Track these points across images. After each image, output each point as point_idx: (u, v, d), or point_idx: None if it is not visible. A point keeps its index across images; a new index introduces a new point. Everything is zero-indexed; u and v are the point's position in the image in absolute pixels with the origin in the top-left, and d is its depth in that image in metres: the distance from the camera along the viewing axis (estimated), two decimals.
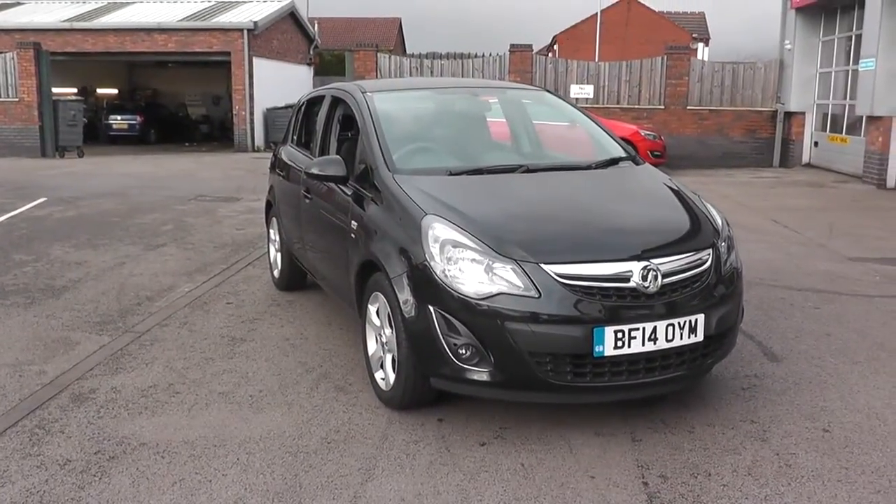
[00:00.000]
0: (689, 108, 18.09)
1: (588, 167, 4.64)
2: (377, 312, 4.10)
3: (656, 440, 3.65)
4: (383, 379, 4.07)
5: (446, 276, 3.57)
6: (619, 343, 3.47)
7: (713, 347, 3.78)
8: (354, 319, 4.89)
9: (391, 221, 3.98)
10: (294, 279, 6.20)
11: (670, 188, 4.41)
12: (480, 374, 3.54)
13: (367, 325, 4.23)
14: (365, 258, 4.12)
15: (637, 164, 4.75)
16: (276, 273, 6.43)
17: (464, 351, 3.54)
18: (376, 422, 3.86)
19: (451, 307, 3.56)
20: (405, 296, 3.70)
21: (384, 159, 4.31)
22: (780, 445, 3.60)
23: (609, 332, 3.46)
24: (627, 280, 3.53)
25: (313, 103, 5.94)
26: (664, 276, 3.59)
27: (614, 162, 4.72)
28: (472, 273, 3.54)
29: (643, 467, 3.40)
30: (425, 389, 3.84)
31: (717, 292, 3.77)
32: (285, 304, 5.95)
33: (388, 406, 3.99)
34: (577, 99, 17.58)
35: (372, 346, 4.20)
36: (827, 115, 16.54)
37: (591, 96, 18.21)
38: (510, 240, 3.62)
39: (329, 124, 5.39)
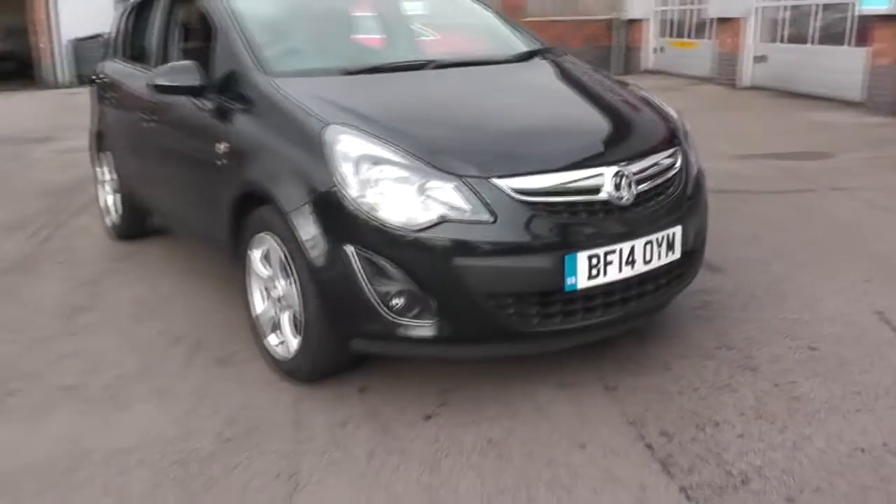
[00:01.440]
0: (526, 19, 17.53)
1: (508, 61, 3.81)
2: (264, 259, 3.16)
3: (633, 385, 2.99)
4: (280, 344, 3.16)
5: (366, 204, 2.68)
6: (594, 271, 2.74)
7: (689, 266, 3.14)
8: (225, 269, 3.92)
9: (277, 137, 3.00)
10: (135, 225, 5.06)
11: (613, 81, 3.68)
12: (422, 329, 2.71)
13: (251, 277, 3.28)
14: (243, 189, 3.14)
15: (559, 56, 3.97)
16: (111, 220, 5.23)
17: (398, 300, 2.69)
18: (281, 402, 2.96)
19: (377, 244, 2.68)
20: (310, 235, 2.78)
21: (254, 59, 3.29)
22: (773, 374, 3.04)
23: (582, 258, 2.72)
24: (598, 191, 2.78)
25: (145, 6, 4.70)
26: (637, 183, 2.88)
27: (534, 55, 3.92)
28: (401, 197, 2.67)
29: (636, 424, 2.73)
30: (344, 355, 2.99)
31: (689, 199, 3.12)
32: (129, 257, 4.81)
33: (292, 379, 3.10)
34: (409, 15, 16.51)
35: (259, 304, 3.26)
36: (669, 21, 16.53)
37: (427, 12, 17.19)
38: (446, 150, 2.76)
39: (169, 28, 4.24)
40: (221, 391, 3.06)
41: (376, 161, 2.72)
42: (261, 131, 3.09)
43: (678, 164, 3.13)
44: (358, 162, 2.73)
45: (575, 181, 2.76)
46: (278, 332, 3.18)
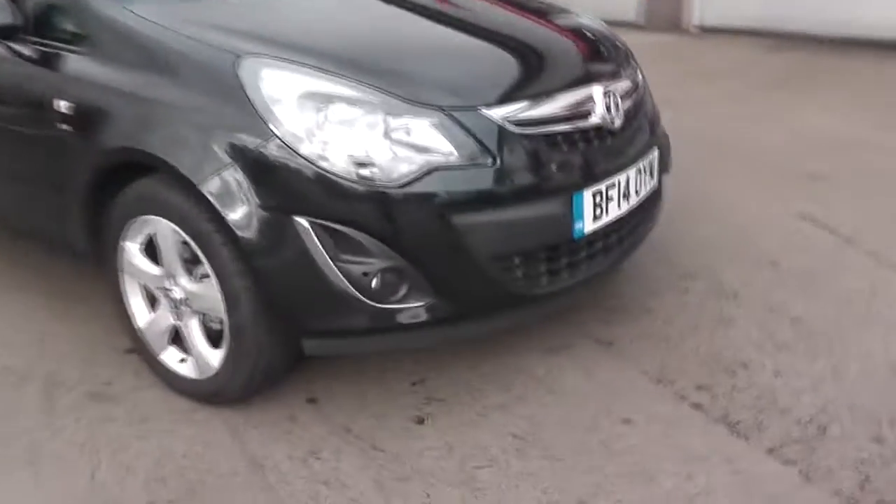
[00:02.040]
0: None
1: None
2: (145, 251, 2.33)
3: (627, 336, 2.59)
4: (183, 362, 2.37)
5: (321, 158, 1.98)
6: (598, 211, 2.27)
7: (661, 192, 2.77)
8: (68, 271, 2.96)
9: (156, 83, 2.15)
10: None
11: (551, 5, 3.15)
12: (413, 314, 2.08)
13: (125, 278, 2.42)
14: (105, 160, 2.26)
15: None
16: None
17: (378, 281, 2.03)
18: (215, 438, 2.20)
19: (343, 211, 1.99)
20: (239, 211, 2.01)
21: None
22: (757, 297, 2.79)
23: (588, 197, 2.23)
24: (589, 115, 2.29)
25: None
26: (622, 103, 2.42)
27: None
28: (369, 144, 1.99)
29: (663, 382, 2.34)
30: (289, 362, 2.28)
31: (655, 117, 2.73)
32: None
33: (212, 402, 2.33)
34: None
35: (142, 313, 2.43)
36: None
37: None
38: (413, 77, 2.11)
39: None
40: (117, 438, 2.22)
41: (326, 99, 2.01)
42: (124, 77, 2.21)
43: (641, 79, 2.72)
44: (301, 103, 2.00)
45: (570, 105, 2.24)
46: (182, 345, 2.38)
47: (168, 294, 2.31)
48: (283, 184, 2.01)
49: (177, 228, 2.17)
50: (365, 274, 2.02)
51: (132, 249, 2.35)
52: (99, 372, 2.54)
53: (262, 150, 2.00)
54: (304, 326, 2.13)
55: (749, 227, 3.35)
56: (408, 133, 2.01)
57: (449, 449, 2.10)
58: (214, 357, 2.25)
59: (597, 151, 2.28)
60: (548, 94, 2.21)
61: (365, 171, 1.97)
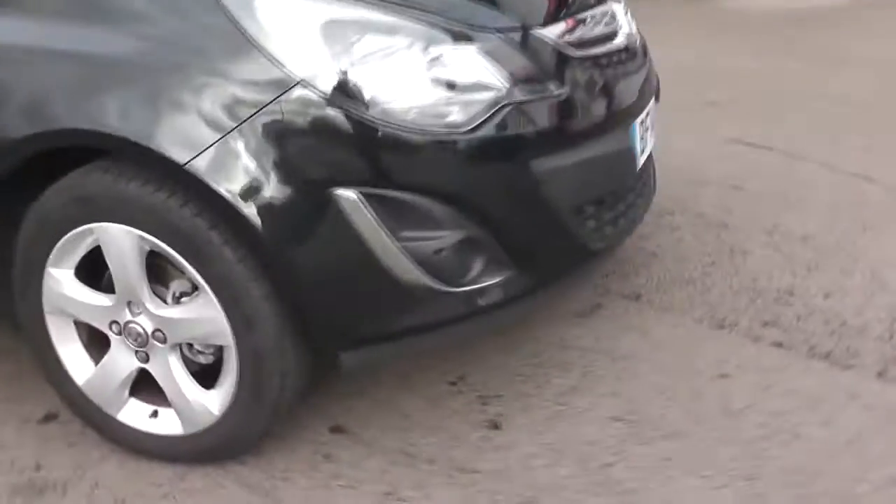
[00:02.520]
0: None
1: None
2: (77, 276, 1.68)
3: (651, 284, 2.33)
4: (154, 416, 1.76)
5: (362, 103, 1.47)
6: (642, 143, 1.96)
7: None
8: None
9: (103, 34, 1.51)
10: None
11: None
12: (489, 294, 1.64)
13: (53, 321, 1.75)
14: (18, 152, 1.59)
15: None
16: None
17: (454, 258, 1.58)
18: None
19: (402, 173, 1.51)
20: (252, 193, 1.46)
21: None
22: (749, 223, 2.64)
23: (638, 128, 1.91)
24: (615, 35, 1.95)
25: None
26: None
27: None
28: (419, 81, 1.52)
29: (727, 327, 2.10)
30: (308, 389, 1.76)
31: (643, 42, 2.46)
32: None
33: (211, 460, 1.75)
34: None
35: (81, 364, 1.78)
36: None
37: None
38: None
39: None
40: None
41: (358, 28, 1.49)
42: (50, 31, 1.54)
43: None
44: (326, 35, 1.47)
45: (607, 23, 1.89)
46: (141, 396, 1.76)
47: (126, 329, 1.68)
48: (314, 146, 1.48)
49: (142, 234, 1.55)
50: (437, 251, 1.56)
51: (63, 278, 1.68)
52: (17, 455, 1.84)
53: (279, 103, 1.45)
54: (351, 335, 1.61)
55: (690, 156, 3.21)
56: (464, 65, 1.55)
57: (556, 452, 1.71)
58: (212, 401, 1.67)
59: (631, 76, 1.96)
60: (588, 10, 1.84)
61: (422, 117, 1.50)
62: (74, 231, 1.62)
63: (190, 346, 1.69)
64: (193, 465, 1.76)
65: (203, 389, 1.68)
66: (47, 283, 1.70)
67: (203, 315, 1.58)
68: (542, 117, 1.63)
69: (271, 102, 1.45)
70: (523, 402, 1.87)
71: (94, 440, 1.86)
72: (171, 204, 1.51)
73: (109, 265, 1.63)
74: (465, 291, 1.60)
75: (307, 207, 1.49)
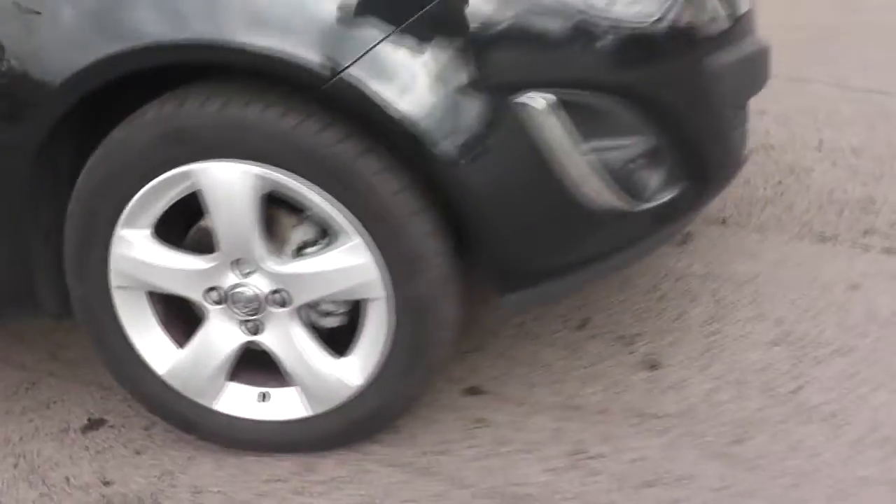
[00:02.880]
0: None
1: None
2: (154, 235, 1.34)
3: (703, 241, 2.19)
4: (264, 399, 1.44)
5: None
6: None
7: None
8: None
9: None
10: None
11: None
12: (665, 210, 1.41)
13: (123, 297, 1.39)
14: (95, 74, 1.23)
15: None
16: None
17: (642, 168, 1.35)
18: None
19: (592, 71, 1.27)
20: (420, 104, 1.18)
21: None
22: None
23: None
24: None
25: None
26: None
27: None
28: None
29: (829, 239, 1.98)
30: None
31: None
32: None
33: (340, 444, 1.46)
34: None
35: (162, 349, 1.43)
36: None
37: None
38: None
39: None
40: None
41: None
42: None
43: None
44: None
45: None
46: (244, 378, 1.44)
47: (232, 296, 1.35)
48: (494, 45, 1.21)
49: (264, 171, 1.24)
50: (625, 163, 1.33)
51: (140, 240, 1.33)
52: (72, 472, 1.48)
53: None
54: (523, 271, 1.36)
55: None
56: None
57: (735, 385, 1.53)
58: (350, 369, 1.37)
59: None
60: None
61: (613, 4, 1.26)
62: (162, 178, 1.28)
63: (314, 308, 1.38)
64: (314, 454, 1.46)
65: (335, 358, 1.38)
66: (117, 250, 1.34)
67: (347, 264, 1.28)
68: (714, 7, 1.42)
69: None
70: (668, 337, 1.68)
71: (167, 440, 1.54)
72: (307, 130, 1.21)
73: (213, 217, 1.30)
74: (647, 209, 1.38)
75: (485, 118, 1.22)
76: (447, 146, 1.20)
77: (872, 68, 3.04)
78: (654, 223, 1.42)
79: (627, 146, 1.32)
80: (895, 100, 2.75)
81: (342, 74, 1.15)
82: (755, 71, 1.58)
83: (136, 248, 1.34)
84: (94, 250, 1.36)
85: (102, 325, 1.42)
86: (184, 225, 1.40)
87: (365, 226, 1.25)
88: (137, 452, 1.55)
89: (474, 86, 1.20)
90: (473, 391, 1.57)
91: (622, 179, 1.32)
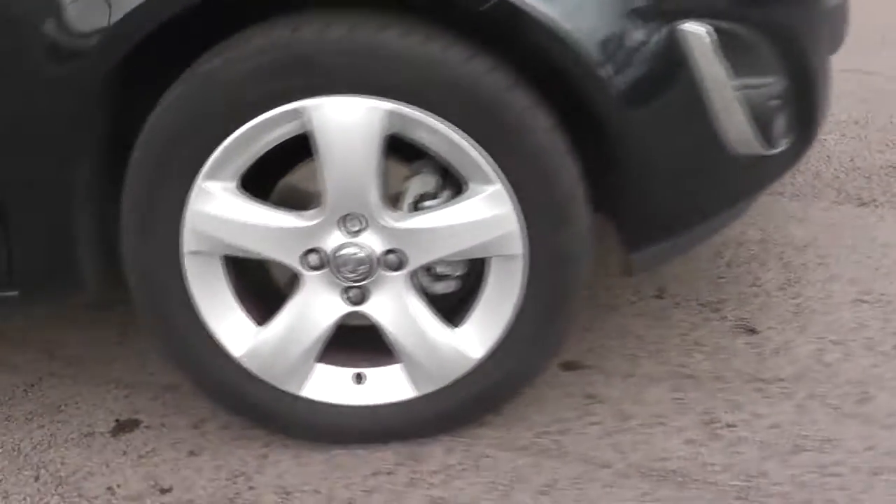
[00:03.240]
0: None
1: None
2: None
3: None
4: (359, 380, 1.25)
5: None
6: None
7: None
8: None
9: None
10: None
11: None
12: (783, 158, 1.33)
13: (197, 264, 1.17)
14: None
15: None
16: None
17: (777, 110, 1.26)
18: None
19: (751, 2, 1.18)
20: (586, 29, 1.05)
21: None
22: None
23: None
24: None
25: None
26: None
27: None
28: None
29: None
30: None
31: None
32: None
33: (436, 430, 1.29)
34: None
35: (239, 325, 1.22)
36: None
37: None
38: None
39: None
40: None
41: None
42: None
43: None
44: None
45: None
46: (336, 358, 1.25)
47: (336, 259, 1.16)
48: None
49: (397, 107, 1.06)
50: (766, 103, 1.23)
51: (225, 194, 1.12)
52: (112, 479, 1.24)
53: None
54: (663, 222, 1.23)
55: None
56: None
57: (839, 345, 1.46)
58: (469, 340, 1.21)
59: None
60: None
61: None
62: (264, 117, 1.08)
63: (428, 271, 1.21)
64: (411, 442, 1.28)
65: (451, 328, 1.21)
66: (196, 206, 1.13)
67: (483, 216, 1.12)
68: None
69: None
70: (753, 302, 1.60)
71: (225, 438, 1.35)
72: (454, 58, 1.04)
73: (324, 164, 1.11)
74: (772, 156, 1.29)
75: (649, 44, 1.09)
76: (610, 74, 1.06)
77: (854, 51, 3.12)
78: (772, 172, 1.34)
79: (767, 86, 1.22)
80: (879, 78, 2.81)
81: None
82: (842, 23, 1.52)
83: (219, 203, 1.13)
84: (164, 207, 1.13)
85: (166, 298, 1.19)
86: (259, 181, 1.20)
87: (508, 169, 1.09)
88: (192, 453, 1.32)
89: (639, 9, 1.07)
90: (571, 366, 1.43)
91: (759, 121, 1.22)
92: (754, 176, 1.31)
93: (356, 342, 1.26)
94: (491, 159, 1.09)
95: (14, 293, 1.22)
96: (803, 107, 1.32)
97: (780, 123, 1.28)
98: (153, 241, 1.16)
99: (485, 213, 1.12)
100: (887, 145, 2.26)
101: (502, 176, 1.10)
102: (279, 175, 1.22)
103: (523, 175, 1.10)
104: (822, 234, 1.83)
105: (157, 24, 1.05)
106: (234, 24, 1.10)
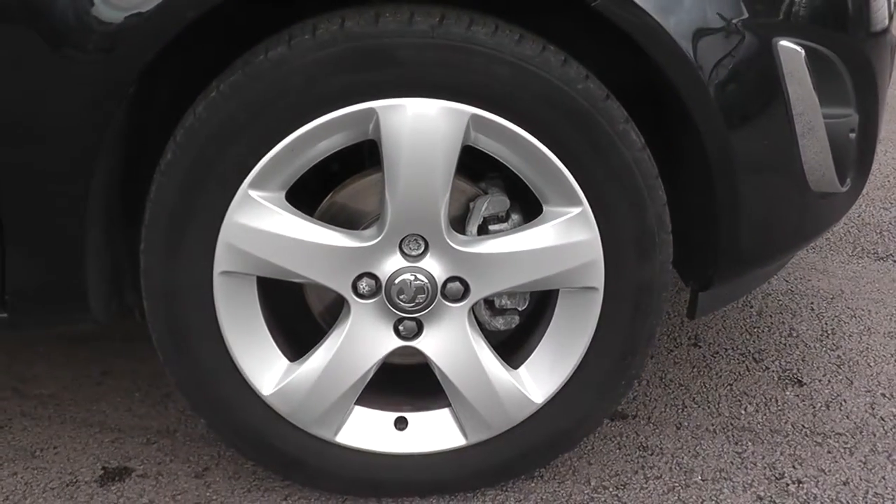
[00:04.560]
0: None
1: None
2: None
3: None
4: (401, 426, 1.11)
5: None
6: None
7: None
8: None
9: None
10: None
11: None
12: (848, 197, 1.27)
13: (230, 285, 1.03)
14: None
15: None
16: None
17: (852, 144, 1.19)
18: None
19: (842, 26, 1.12)
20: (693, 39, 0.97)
21: None
22: None
23: None
24: None
25: None
26: None
27: None
28: None
29: None
30: None
31: None
32: None
33: (483, 483, 1.15)
34: None
35: (270, 359, 1.07)
36: None
37: None
38: None
39: None
40: None
41: None
42: None
43: None
44: None
45: None
46: (376, 400, 1.11)
47: (392, 286, 1.02)
48: None
49: (482, 113, 0.95)
50: (842, 137, 1.16)
51: (271, 205, 0.98)
52: None
53: None
54: (745, 254, 1.13)
55: None
56: None
57: (888, 398, 1.39)
58: (530, 382, 1.08)
59: None
60: None
61: None
62: (329, 117, 0.95)
63: (489, 304, 1.09)
64: (456, 495, 1.14)
65: (511, 368, 1.09)
66: (237, 217, 0.98)
67: (563, 242, 1.01)
68: None
69: None
70: (793, 353, 1.52)
71: (236, 490, 1.19)
72: (549, 61, 0.95)
73: (390, 175, 0.99)
74: (840, 195, 1.23)
75: (746, 62, 1.02)
76: (714, 89, 0.98)
77: None
78: (836, 212, 1.28)
79: (845, 118, 1.16)
80: None
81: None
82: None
83: (265, 215, 0.99)
84: (199, 218, 0.99)
85: (190, 325, 1.03)
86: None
87: (595, 190, 0.99)
88: None
89: (738, 22, 1.00)
90: (618, 415, 1.32)
91: (836, 155, 1.15)
92: (823, 215, 1.24)
93: (396, 382, 1.12)
94: (578, 178, 0.98)
95: (2, 315, 1.05)
96: (866, 145, 1.27)
97: (850, 160, 1.21)
98: (181, 257, 1.00)
99: (565, 238, 1.01)
100: (891, 203, 2.26)
101: (589, 197, 0.99)
102: (320, 191, 1.09)
103: (612, 197, 1.00)
104: (848, 287, 1.78)
105: (202, 12, 0.92)
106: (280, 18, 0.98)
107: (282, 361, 1.07)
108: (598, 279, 1.03)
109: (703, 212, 1.08)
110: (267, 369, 1.06)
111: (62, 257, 1.02)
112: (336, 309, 1.08)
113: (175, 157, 0.98)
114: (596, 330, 1.06)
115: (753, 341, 1.55)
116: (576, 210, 1.00)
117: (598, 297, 1.04)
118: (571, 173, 0.98)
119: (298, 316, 1.12)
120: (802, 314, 1.66)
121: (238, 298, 1.03)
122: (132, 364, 1.45)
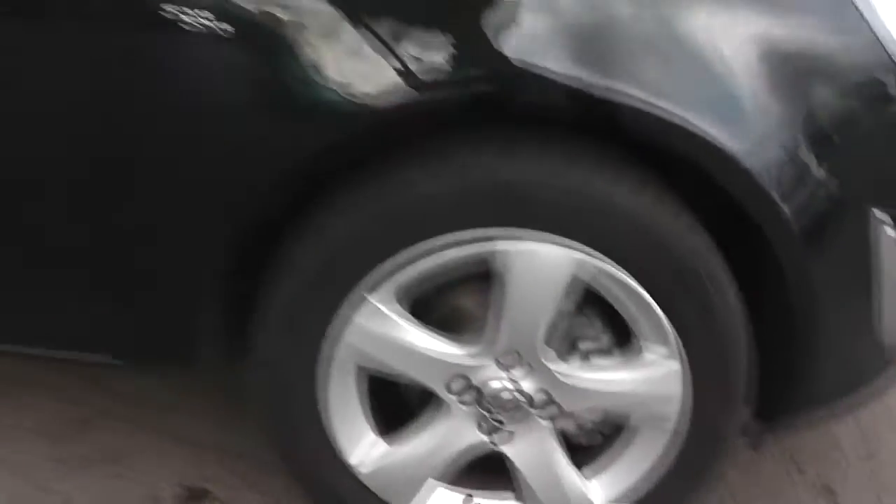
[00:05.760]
0: None
1: None
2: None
3: None
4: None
5: None
6: None
7: None
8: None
9: None
10: None
11: None
12: None
13: (336, 372, 1.09)
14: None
15: None
16: None
17: None
18: None
19: None
20: (800, 203, 1.00)
21: None
22: None
23: None
24: None
25: None
26: None
27: None
28: None
29: None
30: None
31: None
32: None
33: None
34: None
35: (368, 442, 1.15)
36: None
37: None
38: None
39: None
40: None
41: None
42: None
43: None
44: None
45: None
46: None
47: (483, 393, 1.09)
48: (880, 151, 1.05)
49: (591, 259, 1.00)
50: None
51: (391, 312, 1.04)
52: None
53: (862, 93, 1.00)
54: (816, 388, 1.18)
55: None
56: None
57: None
58: (601, 496, 1.16)
59: None
60: None
61: None
62: (460, 253, 1.00)
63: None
64: None
65: (583, 479, 1.16)
66: (358, 318, 1.04)
67: (659, 391, 1.07)
68: None
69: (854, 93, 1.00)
70: (831, 461, 1.58)
71: None
72: (664, 213, 0.99)
73: (503, 304, 1.03)
74: None
75: (843, 228, 1.05)
76: (805, 257, 1.02)
77: None
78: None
79: None
80: None
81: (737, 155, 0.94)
82: None
83: (382, 320, 1.05)
84: (317, 308, 1.05)
85: (293, 398, 1.11)
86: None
87: (687, 340, 1.04)
88: None
89: (844, 186, 1.02)
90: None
91: None
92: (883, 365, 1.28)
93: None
94: (680, 333, 1.03)
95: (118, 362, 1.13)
96: None
97: None
98: (295, 340, 1.07)
99: (661, 388, 1.07)
100: None
101: (680, 343, 1.04)
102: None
103: (701, 341, 1.04)
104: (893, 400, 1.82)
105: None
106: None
107: (380, 444, 1.14)
108: (684, 424, 1.09)
109: (774, 343, 1.11)
110: (365, 450, 1.13)
111: (180, 312, 1.09)
112: (428, 397, 1.14)
113: (304, 249, 1.03)
114: (668, 464, 1.12)
115: (800, 446, 1.60)
116: (664, 350, 1.04)
117: (679, 440, 1.10)
118: (669, 323, 1.02)
119: (390, 394, 1.18)
120: (846, 423, 1.71)
121: (343, 386, 1.10)
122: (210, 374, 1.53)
